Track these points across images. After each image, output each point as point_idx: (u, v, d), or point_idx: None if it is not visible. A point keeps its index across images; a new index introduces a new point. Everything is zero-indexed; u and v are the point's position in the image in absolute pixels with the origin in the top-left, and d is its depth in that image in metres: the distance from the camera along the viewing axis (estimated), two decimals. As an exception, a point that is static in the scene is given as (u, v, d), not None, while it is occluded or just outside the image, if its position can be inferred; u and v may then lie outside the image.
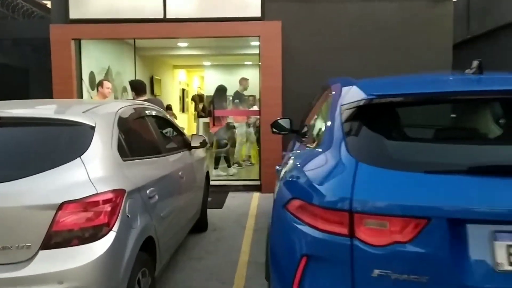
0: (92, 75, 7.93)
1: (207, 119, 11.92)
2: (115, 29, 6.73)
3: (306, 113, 3.96)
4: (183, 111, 13.75)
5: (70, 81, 6.76)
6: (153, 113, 3.82)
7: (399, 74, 3.33)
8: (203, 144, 4.43)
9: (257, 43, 8.77)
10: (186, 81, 16.86)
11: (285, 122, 4.16)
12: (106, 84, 5.98)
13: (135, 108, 3.36)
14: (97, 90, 6.08)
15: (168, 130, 4.26)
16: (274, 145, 6.68)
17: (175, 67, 14.66)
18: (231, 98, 7.83)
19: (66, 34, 6.74)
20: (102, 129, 2.57)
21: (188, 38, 7.12)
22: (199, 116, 12.84)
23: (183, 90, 15.38)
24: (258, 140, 9.55)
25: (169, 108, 11.34)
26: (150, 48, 10.57)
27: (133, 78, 7.82)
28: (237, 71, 13.41)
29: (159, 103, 5.58)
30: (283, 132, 4.19)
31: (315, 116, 3.28)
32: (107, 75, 8.74)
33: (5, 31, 9.88)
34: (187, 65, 14.70)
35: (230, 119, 8.16)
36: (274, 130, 4.17)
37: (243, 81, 8.33)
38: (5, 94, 9.73)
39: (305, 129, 3.62)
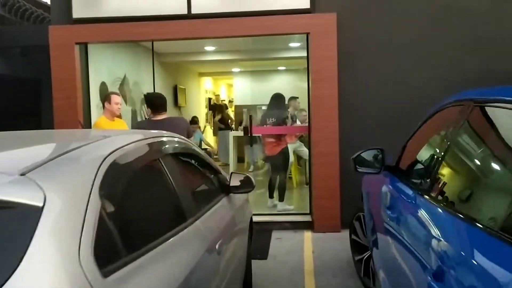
0: (103, 87, 6.65)
1: (238, 133, 10.55)
2: (129, 30, 5.41)
3: (416, 142, 2.51)
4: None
5: (74, 95, 5.47)
6: (175, 150, 2.42)
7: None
8: (248, 186, 3.03)
9: (297, 44, 7.39)
10: (213, 90, 15.59)
11: (372, 155, 2.71)
12: (115, 98, 4.66)
13: (142, 148, 1.96)
14: (103, 106, 4.76)
15: (197, 176, 2.85)
16: (329, 170, 5.22)
17: (201, 74, 13.37)
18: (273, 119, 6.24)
19: (69, 37, 5.47)
20: (59, 213, 1.19)
21: (218, 37, 5.69)
22: (220, 129, 11.49)
23: (210, 99, 14.07)
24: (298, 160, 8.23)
25: (194, 121, 10.04)
26: (172, 53, 9.31)
27: (151, 90, 6.51)
28: (272, 78, 12.06)
29: (183, 125, 4.22)
30: (371, 171, 2.73)
31: (446, 151, 1.88)
32: (123, 85, 7.46)
33: (13, 38, 8.73)
34: (214, 72, 13.38)
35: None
36: (359, 168, 2.72)
37: (293, 102, 6.87)
38: (16, 109, 8.68)
39: (419, 168, 2.22)
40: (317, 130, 5.27)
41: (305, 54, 5.57)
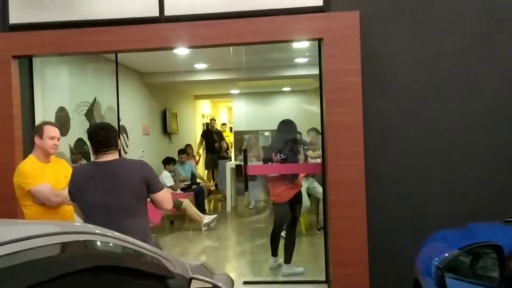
0: (62, 113, 5.29)
1: (238, 162, 9.16)
2: (83, 38, 4.07)
3: None
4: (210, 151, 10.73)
5: (9, 126, 4.09)
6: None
7: None
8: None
9: (304, 59, 6.04)
10: (212, 114, 14.26)
11: (477, 257, 1.25)
12: (49, 130, 3.26)
13: None
14: (33, 143, 3.35)
15: None
16: (353, 227, 3.77)
17: (197, 97, 12.06)
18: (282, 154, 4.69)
19: (3, 49, 4.13)
20: None
21: (199, 46, 4.26)
22: (220, 158, 10.06)
23: (207, 124, 12.68)
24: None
25: (183, 151, 8.65)
26: (157, 73, 8.00)
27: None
28: (276, 100, 10.79)
29: (138, 171, 2.79)
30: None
31: None
32: (92, 112, 6.10)
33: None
34: (211, 94, 12.07)
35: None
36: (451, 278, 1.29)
37: (312, 133, 5.47)
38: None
39: None
40: (335, 171, 3.83)
41: (316, 71, 4.20)
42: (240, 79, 8.20)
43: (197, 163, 10.10)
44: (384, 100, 3.89)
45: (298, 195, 4.63)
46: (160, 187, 2.89)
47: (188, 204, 6.99)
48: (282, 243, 4.80)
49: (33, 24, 4.16)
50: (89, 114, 5.94)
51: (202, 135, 10.66)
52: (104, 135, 2.82)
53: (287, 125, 4.80)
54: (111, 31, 4.07)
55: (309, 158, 5.36)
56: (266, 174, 4.75)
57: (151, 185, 2.83)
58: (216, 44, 4.10)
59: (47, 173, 3.22)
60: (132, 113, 7.59)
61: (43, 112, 4.67)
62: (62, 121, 5.25)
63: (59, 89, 5.24)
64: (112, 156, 2.83)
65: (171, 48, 4.32)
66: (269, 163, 4.59)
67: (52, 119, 5.12)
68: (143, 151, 7.94)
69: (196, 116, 12.13)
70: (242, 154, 4.60)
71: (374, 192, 3.83)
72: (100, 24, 4.09)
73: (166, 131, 9.17)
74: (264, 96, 10.99)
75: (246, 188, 4.46)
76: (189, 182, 8.46)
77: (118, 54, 6.55)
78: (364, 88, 3.82)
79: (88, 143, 3.01)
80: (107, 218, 2.70)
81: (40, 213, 3.16)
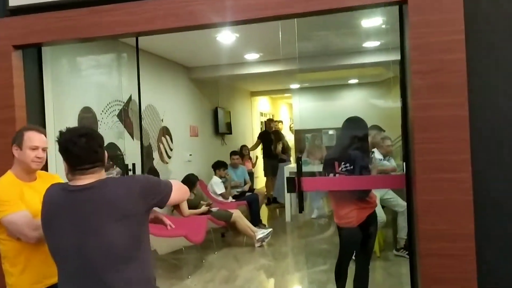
0: (88, 115, 4.55)
1: (291, 166, 8.17)
2: (94, 18, 3.23)
3: None
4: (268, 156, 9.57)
5: (11, 131, 3.34)
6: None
7: None
8: None
9: (376, 43, 4.90)
10: (272, 112, 13.32)
11: None
12: (31, 139, 2.42)
13: None
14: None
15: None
16: (457, 267, 2.61)
17: (254, 94, 11.14)
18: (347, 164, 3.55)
19: (2, 38, 3.39)
20: None
21: (241, 22, 3.26)
22: (280, 161, 9.02)
23: (266, 124, 11.69)
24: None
25: (236, 153, 7.76)
26: (202, 67, 7.17)
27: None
28: (341, 94, 9.66)
29: (132, 184, 1.88)
30: None
31: None
32: (127, 112, 5.35)
33: None
34: (268, 90, 11.09)
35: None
36: None
37: (373, 132, 4.30)
38: None
39: None
40: (427, 189, 2.67)
41: (388, 57, 3.05)
42: (300, 70, 7.17)
43: (253, 165, 9.16)
44: (499, 86, 2.68)
45: (372, 217, 3.49)
46: (167, 188, 2.02)
47: (239, 216, 6.06)
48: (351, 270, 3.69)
49: (37, 6, 3.39)
50: (123, 114, 5.19)
51: (259, 137, 9.66)
52: (85, 146, 1.91)
53: (354, 124, 3.67)
54: (128, 8, 3.19)
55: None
56: (326, 190, 3.66)
57: (156, 195, 1.95)
58: (262, 17, 3.07)
59: (27, 196, 2.37)
60: (178, 113, 6.80)
61: (60, 113, 3.91)
62: (88, 124, 4.50)
63: (82, 86, 4.50)
64: (95, 177, 1.92)
65: (203, 27, 3.34)
66: (331, 174, 3.49)
67: (75, 122, 4.39)
68: (190, 155, 7.14)
69: (253, 115, 11.22)
70: (296, 161, 3.54)
71: (486, 219, 2.64)
72: (115, 1, 3.23)
73: (218, 132, 8.32)
74: (327, 90, 9.92)
75: (301, 209, 3.38)
76: (241, 189, 7.55)
77: (161, 46, 5.77)
78: (470, 68, 2.63)
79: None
80: (84, 270, 1.81)
81: (17, 250, 2.33)
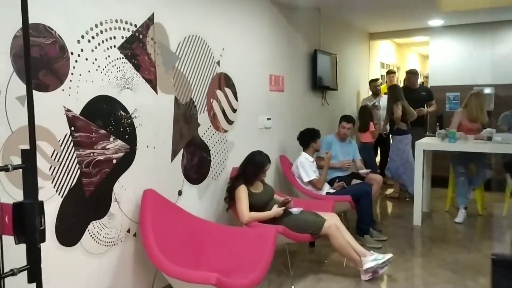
0: (43, 39, 2.35)
1: (426, 141, 5.41)
2: None
3: None
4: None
5: None
6: None
7: None
8: None
9: None
10: (397, 64, 10.30)
11: None
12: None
13: None
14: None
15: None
16: None
17: (373, 36, 8.26)
18: None
19: None
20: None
21: None
22: (397, 132, 6.20)
23: (386, 81, 8.60)
24: None
25: (347, 119, 5.17)
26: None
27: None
28: (503, 36, 6.69)
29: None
30: None
31: None
32: (143, 42, 3.08)
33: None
34: (396, 31, 8.04)
35: None
36: None
37: None
38: None
39: None
40: None
41: None
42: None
43: (374, 136, 6.47)
44: None
45: None
46: None
47: (335, 227, 3.58)
48: None
49: None
50: (134, 47, 2.93)
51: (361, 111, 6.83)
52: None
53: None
54: None
55: None
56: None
57: None
58: None
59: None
60: (248, 53, 4.41)
61: None
62: (44, 60, 2.33)
63: None
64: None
65: None
66: None
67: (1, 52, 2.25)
68: (268, 119, 4.75)
69: (370, 65, 8.35)
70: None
71: None
72: None
73: (315, 86, 5.75)
74: (481, 30, 6.83)
75: None
76: (347, 173, 5.02)
77: None
78: None
79: None
80: None
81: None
